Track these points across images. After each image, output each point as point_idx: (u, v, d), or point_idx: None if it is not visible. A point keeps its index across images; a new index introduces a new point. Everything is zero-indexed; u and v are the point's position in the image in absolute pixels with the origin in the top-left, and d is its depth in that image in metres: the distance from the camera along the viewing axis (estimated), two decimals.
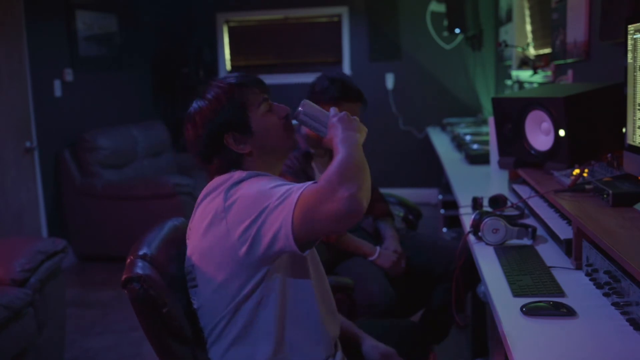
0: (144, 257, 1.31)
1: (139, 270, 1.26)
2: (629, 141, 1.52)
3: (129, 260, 1.31)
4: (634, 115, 1.49)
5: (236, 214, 1.24)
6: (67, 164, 4.43)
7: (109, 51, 5.18)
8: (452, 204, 3.44)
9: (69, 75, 4.57)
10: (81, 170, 4.47)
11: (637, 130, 1.47)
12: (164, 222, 1.51)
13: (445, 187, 3.66)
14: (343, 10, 5.95)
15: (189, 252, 1.37)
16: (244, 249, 1.23)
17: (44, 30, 4.34)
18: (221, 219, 1.26)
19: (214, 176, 1.38)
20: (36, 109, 4.20)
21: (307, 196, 1.18)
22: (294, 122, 1.44)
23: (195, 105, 1.40)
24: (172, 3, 5.99)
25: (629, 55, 1.50)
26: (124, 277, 1.26)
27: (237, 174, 1.33)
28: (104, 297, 3.78)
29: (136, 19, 5.55)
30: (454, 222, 3.74)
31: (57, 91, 4.47)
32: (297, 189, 1.20)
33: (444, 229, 3.85)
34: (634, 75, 1.48)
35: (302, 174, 2.19)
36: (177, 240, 1.46)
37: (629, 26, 1.49)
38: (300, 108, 1.41)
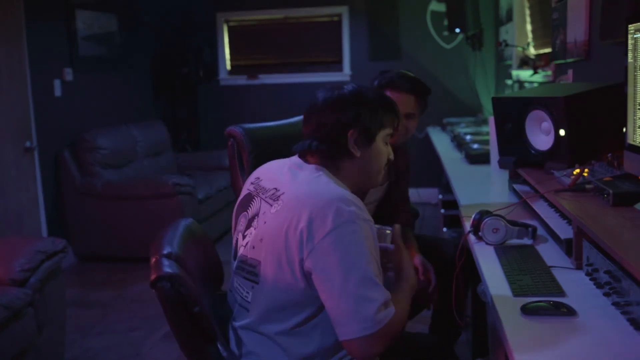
0: (169, 256, 1.29)
1: (167, 269, 1.24)
2: (630, 141, 1.52)
3: (154, 259, 1.29)
4: (635, 115, 1.49)
5: (316, 265, 1.24)
6: (67, 164, 4.43)
7: (109, 51, 5.18)
8: (452, 204, 3.44)
9: (68, 75, 4.57)
10: (81, 170, 4.47)
11: (638, 129, 1.47)
12: (176, 223, 1.50)
13: (445, 186, 3.65)
14: (343, 10, 5.95)
15: (252, 241, 1.37)
16: (302, 285, 1.28)
17: (44, 29, 4.33)
18: (301, 246, 1.25)
19: (311, 152, 1.41)
20: (36, 108, 4.19)
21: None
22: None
23: (356, 91, 1.43)
24: (172, 3, 5.99)
25: (630, 54, 1.49)
26: (153, 276, 1.23)
27: (325, 187, 1.33)
28: (103, 297, 3.78)
29: (136, 18, 5.55)
30: (454, 221, 3.74)
31: (57, 91, 4.47)
32: (378, 320, 1.22)
33: (444, 229, 3.85)
34: (635, 75, 1.47)
35: None
36: (194, 240, 1.45)
37: (629, 26, 1.49)
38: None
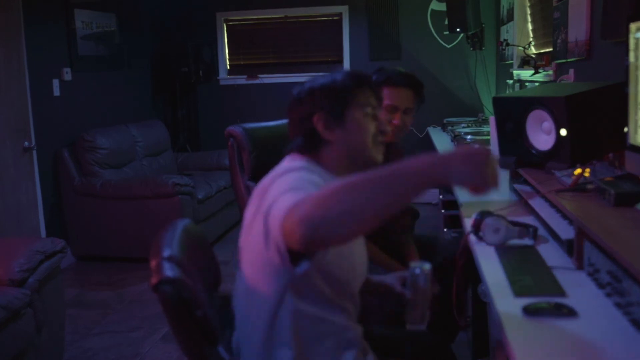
0: (170, 259, 1.28)
1: (169, 273, 1.23)
2: (631, 141, 1.51)
3: (154, 263, 1.28)
4: (636, 115, 1.48)
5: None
6: (66, 164, 4.42)
7: (108, 50, 5.18)
8: (452, 204, 3.43)
9: (67, 75, 4.56)
10: (80, 170, 4.46)
11: (639, 129, 1.46)
12: (174, 224, 1.49)
13: (445, 186, 3.64)
14: (343, 9, 5.94)
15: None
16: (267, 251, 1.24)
17: (43, 29, 4.33)
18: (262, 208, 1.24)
19: (292, 150, 1.43)
20: (35, 108, 4.19)
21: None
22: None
23: (312, 80, 1.44)
24: (171, 2, 5.99)
25: (631, 54, 1.49)
26: (155, 280, 1.22)
27: (298, 162, 1.35)
28: (103, 298, 3.78)
29: (135, 18, 5.54)
30: (455, 222, 3.73)
31: (56, 90, 4.46)
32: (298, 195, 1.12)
33: (445, 229, 3.84)
34: (636, 75, 1.46)
35: None
36: (192, 242, 1.44)
37: (631, 25, 1.48)
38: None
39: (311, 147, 1.40)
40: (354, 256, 1.42)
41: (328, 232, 0.98)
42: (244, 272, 1.35)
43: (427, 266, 1.47)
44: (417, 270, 1.47)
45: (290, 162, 1.39)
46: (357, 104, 1.41)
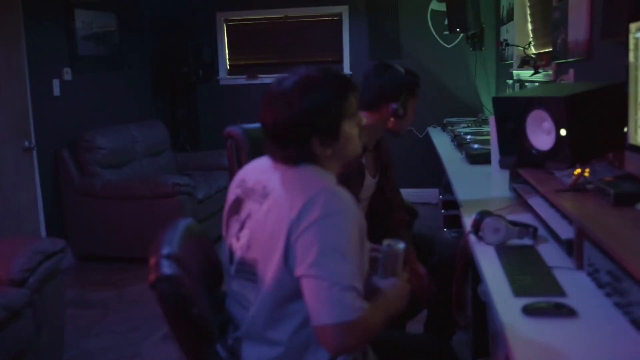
0: (168, 257, 1.29)
1: (166, 270, 1.24)
2: (631, 141, 1.52)
3: (153, 260, 1.29)
4: (636, 115, 1.48)
5: (302, 251, 1.25)
6: (66, 164, 4.42)
7: (108, 50, 5.18)
8: (452, 204, 3.43)
9: (67, 75, 4.56)
10: (80, 170, 4.46)
11: (639, 129, 1.47)
12: (175, 222, 1.49)
13: (445, 186, 3.65)
14: (343, 9, 5.94)
15: (247, 241, 1.38)
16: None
17: (43, 29, 4.33)
18: (289, 235, 1.26)
19: (278, 159, 1.40)
20: (35, 108, 4.19)
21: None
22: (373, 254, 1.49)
23: (294, 83, 1.37)
24: (171, 2, 5.99)
25: (631, 54, 1.49)
26: (152, 277, 1.23)
27: (314, 180, 1.33)
28: (103, 297, 3.78)
29: (135, 18, 5.54)
30: (455, 221, 3.73)
31: (56, 90, 4.46)
32: (355, 309, 1.21)
33: (444, 229, 3.85)
34: (636, 74, 1.47)
35: (356, 175, 2.21)
36: (194, 240, 1.44)
37: (631, 25, 1.49)
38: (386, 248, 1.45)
39: (304, 160, 1.39)
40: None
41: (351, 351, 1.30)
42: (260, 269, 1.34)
43: (400, 245, 1.45)
44: (386, 248, 1.45)
45: (301, 167, 1.37)
46: (346, 116, 1.40)
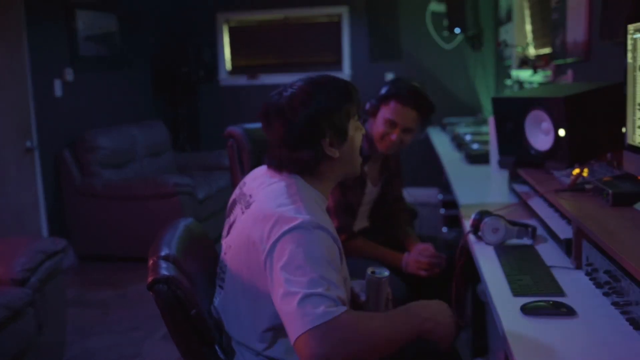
0: (167, 258, 1.29)
1: (164, 272, 1.24)
2: (629, 141, 1.52)
3: (151, 261, 1.29)
4: (634, 115, 1.49)
5: (269, 265, 1.21)
6: (67, 164, 4.43)
7: (109, 51, 5.18)
8: (452, 204, 3.44)
9: (69, 75, 4.57)
10: (81, 170, 4.47)
11: (637, 130, 1.47)
12: (175, 223, 1.49)
13: (445, 186, 3.65)
14: (343, 10, 5.95)
15: (226, 246, 1.38)
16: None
17: (44, 30, 4.34)
18: (262, 251, 1.23)
19: (281, 165, 1.36)
20: (36, 108, 4.19)
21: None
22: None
23: (300, 88, 1.38)
24: (172, 3, 6.00)
25: (629, 55, 1.50)
26: (150, 279, 1.24)
27: (292, 196, 1.28)
28: (104, 297, 3.78)
29: (136, 18, 5.55)
30: (454, 221, 3.74)
31: (58, 91, 4.47)
32: (321, 314, 1.13)
33: (444, 229, 3.85)
34: (634, 75, 1.47)
35: (357, 183, 2.21)
36: (194, 240, 1.45)
37: (629, 26, 1.49)
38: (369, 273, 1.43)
39: (306, 168, 1.36)
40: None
41: None
42: (238, 274, 1.34)
43: (385, 273, 1.42)
44: (369, 276, 1.43)
45: (286, 182, 1.34)
46: (351, 118, 1.40)
